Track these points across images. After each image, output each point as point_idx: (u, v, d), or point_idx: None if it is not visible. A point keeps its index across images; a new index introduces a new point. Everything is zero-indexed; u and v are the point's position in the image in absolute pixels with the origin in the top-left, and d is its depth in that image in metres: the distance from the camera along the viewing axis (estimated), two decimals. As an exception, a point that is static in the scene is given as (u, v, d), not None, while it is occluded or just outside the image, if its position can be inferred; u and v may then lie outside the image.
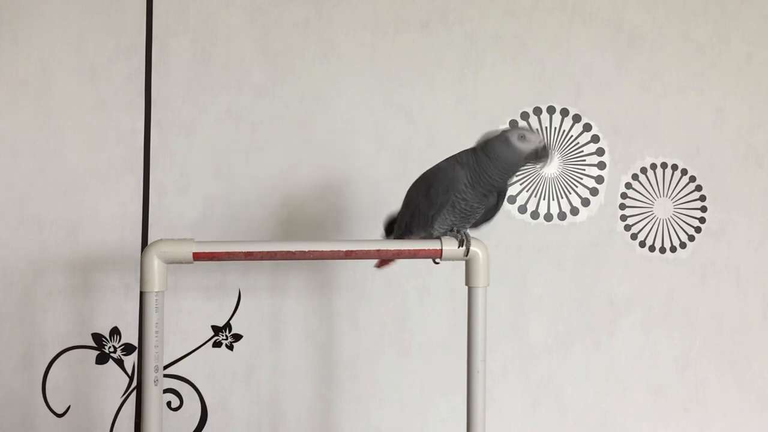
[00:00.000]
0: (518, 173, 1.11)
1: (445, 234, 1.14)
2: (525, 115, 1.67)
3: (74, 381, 1.54)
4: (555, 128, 1.67)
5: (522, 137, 1.08)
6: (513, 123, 1.66)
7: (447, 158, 1.14)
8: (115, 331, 1.55)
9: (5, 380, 1.52)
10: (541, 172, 1.67)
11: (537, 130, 1.11)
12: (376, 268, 1.41)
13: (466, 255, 1.10)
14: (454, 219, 1.14)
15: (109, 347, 1.55)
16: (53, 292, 1.54)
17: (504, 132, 1.10)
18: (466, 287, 1.12)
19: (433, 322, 1.63)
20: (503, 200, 1.18)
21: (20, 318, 1.53)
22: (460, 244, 1.10)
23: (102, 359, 1.55)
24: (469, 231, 1.16)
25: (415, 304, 1.63)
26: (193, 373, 1.57)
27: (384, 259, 1.27)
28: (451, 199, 1.10)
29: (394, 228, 1.26)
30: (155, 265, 1.03)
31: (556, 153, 1.67)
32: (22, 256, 1.53)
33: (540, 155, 1.09)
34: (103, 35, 1.56)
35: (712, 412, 1.69)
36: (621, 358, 1.67)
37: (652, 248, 1.69)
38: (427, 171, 1.17)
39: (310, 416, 1.60)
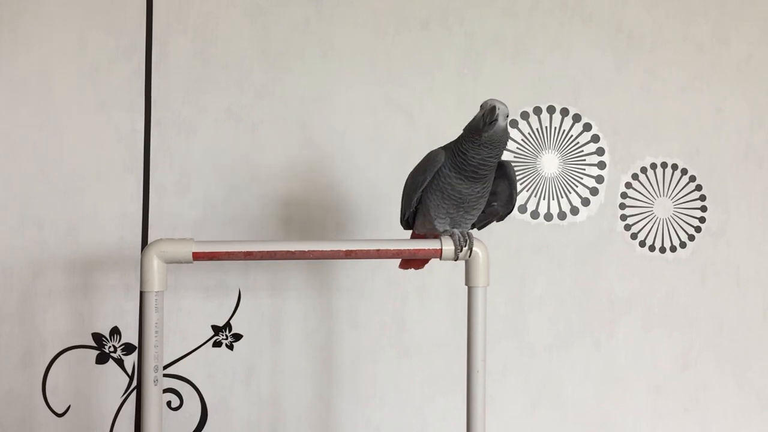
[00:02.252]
0: (494, 151, 1.07)
1: (446, 231, 1.13)
2: (525, 115, 1.67)
3: (74, 381, 1.54)
4: (555, 128, 1.67)
5: (481, 106, 1.07)
6: (513, 123, 1.66)
7: None
8: (115, 331, 1.55)
9: (5, 380, 1.52)
10: (541, 172, 1.67)
11: (502, 102, 1.06)
12: (400, 269, 1.32)
13: (469, 255, 1.10)
14: (447, 206, 1.12)
15: (109, 347, 1.55)
16: (53, 292, 1.54)
17: None
18: (466, 287, 1.12)
19: (433, 322, 1.63)
20: (515, 191, 1.18)
21: (20, 318, 1.53)
22: (462, 245, 1.10)
23: (102, 359, 1.55)
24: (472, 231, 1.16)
25: (414, 304, 1.63)
26: (193, 372, 1.57)
27: (407, 260, 1.25)
28: (428, 178, 1.11)
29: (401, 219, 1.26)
30: (155, 264, 1.03)
31: (556, 152, 1.67)
32: (22, 256, 1.53)
33: (485, 118, 1.04)
34: (103, 35, 1.56)
35: (712, 412, 1.69)
36: (621, 358, 1.67)
37: (652, 248, 1.69)
38: None
39: (310, 416, 1.60)
